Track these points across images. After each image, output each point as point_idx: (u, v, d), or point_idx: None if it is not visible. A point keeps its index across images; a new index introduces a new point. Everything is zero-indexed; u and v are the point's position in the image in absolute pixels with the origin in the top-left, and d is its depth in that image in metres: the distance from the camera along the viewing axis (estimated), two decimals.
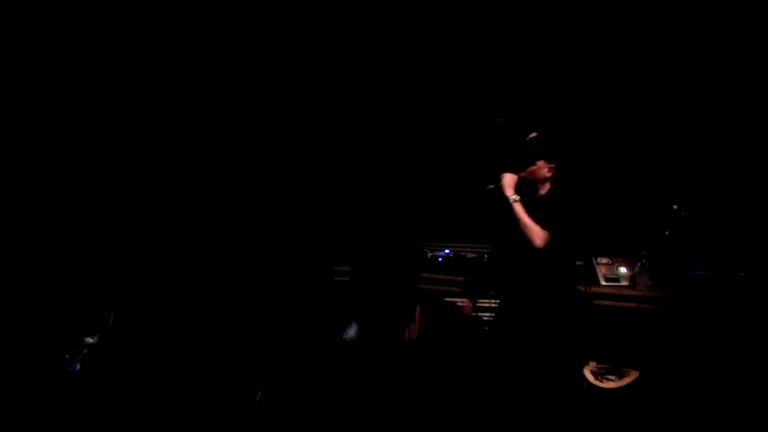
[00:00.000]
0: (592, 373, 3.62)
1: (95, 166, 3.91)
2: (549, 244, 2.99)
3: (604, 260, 4.02)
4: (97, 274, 3.72)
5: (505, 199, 3.03)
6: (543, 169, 3.05)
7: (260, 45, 4.19)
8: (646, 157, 4.17)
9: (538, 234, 2.97)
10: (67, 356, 3.19)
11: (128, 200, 3.94)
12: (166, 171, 4.07)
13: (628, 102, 4.15)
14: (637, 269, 3.92)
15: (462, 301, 3.87)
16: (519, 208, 3.00)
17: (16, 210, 3.67)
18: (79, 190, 3.85)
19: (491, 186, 3.09)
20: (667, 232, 3.87)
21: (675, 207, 3.79)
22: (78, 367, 3.17)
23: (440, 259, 4.09)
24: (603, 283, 3.93)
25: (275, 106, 4.27)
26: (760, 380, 3.38)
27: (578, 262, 3.98)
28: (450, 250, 4.10)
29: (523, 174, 3.07)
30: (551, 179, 3.07)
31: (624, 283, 3.93)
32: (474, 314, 3.79)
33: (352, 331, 3.33)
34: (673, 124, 4.12)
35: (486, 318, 3.82)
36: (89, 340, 3.21)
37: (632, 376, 3.58)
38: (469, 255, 4.08)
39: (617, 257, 4.03)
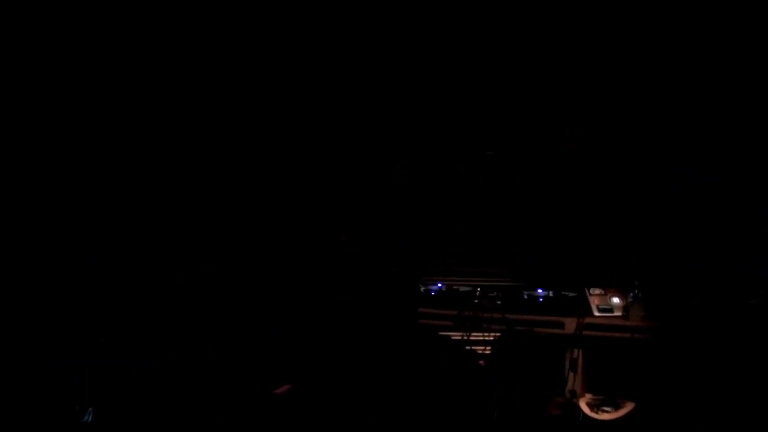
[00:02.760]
0: (588, 404, 3.61)
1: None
2: None
3: (597, 291, 4.01)
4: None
5: None
6: None
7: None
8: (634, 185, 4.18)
9: None
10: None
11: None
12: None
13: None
14: (630, 299, 3.92)
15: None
16: None
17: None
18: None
19: None
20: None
21: None
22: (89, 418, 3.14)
23: (432, 293, 4.09)
24: (596, 313, 3.92)
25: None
26: (754, 408, 3.36)
27: (570, 294, 3.99)
28: (442, 284, 4.11)
29: None
30: None
31: (617, 313, 3.93)
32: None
33: None
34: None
35: (480, 351, 3.83)
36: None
37: (628, 407, 3.56)
38: (462, 288, 4.08)
39: (609, 287, 4.03)
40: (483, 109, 4.22)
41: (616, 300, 3.97)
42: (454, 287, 4.10)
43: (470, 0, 3.97)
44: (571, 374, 3.75)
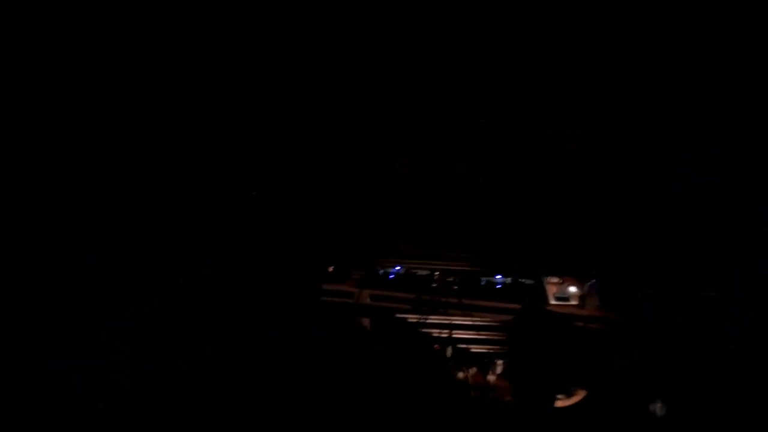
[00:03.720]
0: None
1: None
2: None
3: (554, 279, 4.04)
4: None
5: None
6: None
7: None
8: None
9: None
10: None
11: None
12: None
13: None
14: (586, 289, 3.94)
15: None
16: None
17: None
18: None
19: None
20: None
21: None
22: None
23: (391, 276, 4.06)
24: (552, 302, 3.94)
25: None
26: (705, 400, 3.41)
27: (527, 281, 4.00)
28: (401, 267, 4.08)
29: None
30: None
31: (573, 302, 3.95)
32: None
33: None
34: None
35: (435, 335, 3.80)
36: None
37: (580, 395, 3.57)
38: (420, 272, 4.06)
39: (567, 276, 4.05)
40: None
41: (572, 289, 3.99)
42: (412, 271, 4.08)
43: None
44: None
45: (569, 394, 3.59)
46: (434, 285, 3.97)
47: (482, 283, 4.00)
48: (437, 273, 4.02)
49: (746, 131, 3.94)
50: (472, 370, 3.68)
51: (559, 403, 3.56)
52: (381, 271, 4.09)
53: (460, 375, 3.67)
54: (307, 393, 3.06)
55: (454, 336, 3.79)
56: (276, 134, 4.19)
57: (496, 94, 4.18)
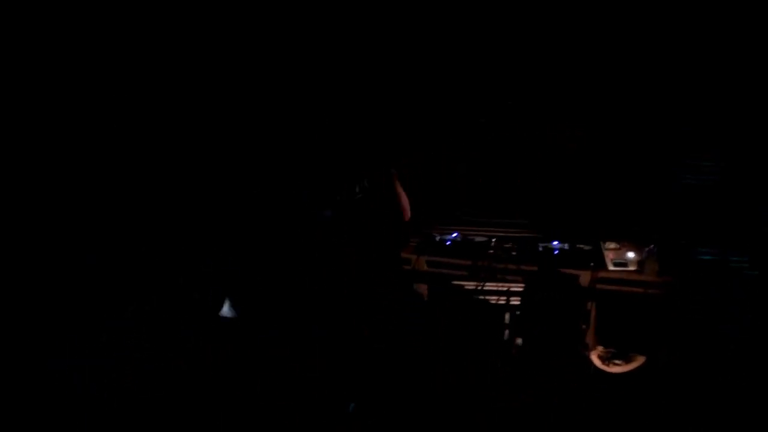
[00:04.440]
0: (599, 357, 3.64)
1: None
2: None
3: (612, 245, 4.00)
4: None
5: None
6: None
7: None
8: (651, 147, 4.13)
9: None
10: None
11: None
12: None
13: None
14: (645, 254, 3.91)
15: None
16: None
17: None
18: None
19: None
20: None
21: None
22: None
23: (448, 243, 4.08)
24: (611, 267, 3.91)
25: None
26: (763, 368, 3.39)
27: (585, 247, 3.98)
28: (458, 234, 4.10)
29: None
30: None
31: (632, 268, 3.91)
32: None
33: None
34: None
35: (493, 302, 3.84)
36: None
37: (639, 361, 3.59)
38: (477, 239, 4.07)
39: (625, 242, 4.02)
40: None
41: (631, 254, 3.96)
42: (470, 237, 4.09)
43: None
44: (584, 327, 3.77)
45: (628, 361, 3.63)
46: (491, 251, 3.98)
47: (540, 249, 3.99)
48: (494, 239, 4.02)
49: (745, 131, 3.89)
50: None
51: (617, 369, 3.60)
52: (438, 238, 4.11)
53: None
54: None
55: (512, 303, 3.82)
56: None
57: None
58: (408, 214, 3.56)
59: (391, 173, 3.44)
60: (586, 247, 3.98)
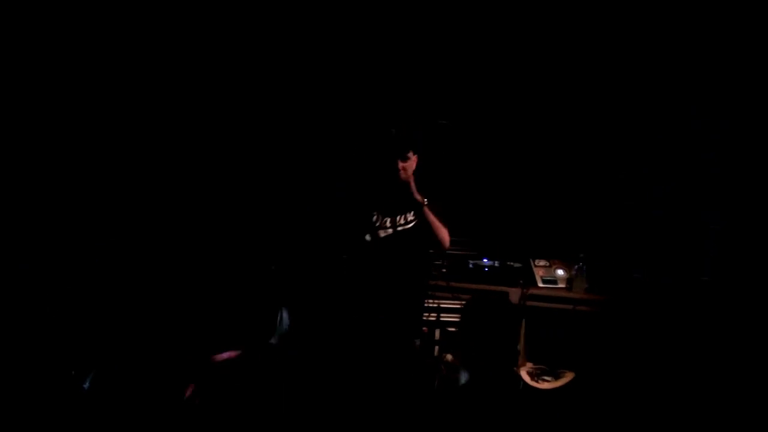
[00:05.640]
0: (528, 373, 3.60)
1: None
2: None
3: (542, 262, 4.04)
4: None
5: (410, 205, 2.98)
6: (414, 162, 2.98)
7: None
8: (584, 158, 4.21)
9: (446, 232, 3.00)
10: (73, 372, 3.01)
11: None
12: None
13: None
14: (574, 272, 3.94)
15: None
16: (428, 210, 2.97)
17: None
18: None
19: None
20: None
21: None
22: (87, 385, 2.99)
23: None
24: (540, 284, 3.94)
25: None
26: (692, 381, 3.42)
27: (515, 264, 3.98)
28: None
29: (403, 175, 2.97)
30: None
31: (561, 285, 3.96)
32: None
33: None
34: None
35: (424, 318, 3.77)
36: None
37: (568, 377, 3.57)
38: None
39: (555, 259, 4.05)
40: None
41: (560, 272, 4.01)
42: None
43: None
44: (513, 343, 3.74)
45: (557, 377, 3.60)
46: None
47: (470, 266, 3.97)
48: None
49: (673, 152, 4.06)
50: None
51: (546, 385, 3.57)
52: None
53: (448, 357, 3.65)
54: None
55: (442, 319, 3.77)
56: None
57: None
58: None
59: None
60: (516, 265, 3.99)
